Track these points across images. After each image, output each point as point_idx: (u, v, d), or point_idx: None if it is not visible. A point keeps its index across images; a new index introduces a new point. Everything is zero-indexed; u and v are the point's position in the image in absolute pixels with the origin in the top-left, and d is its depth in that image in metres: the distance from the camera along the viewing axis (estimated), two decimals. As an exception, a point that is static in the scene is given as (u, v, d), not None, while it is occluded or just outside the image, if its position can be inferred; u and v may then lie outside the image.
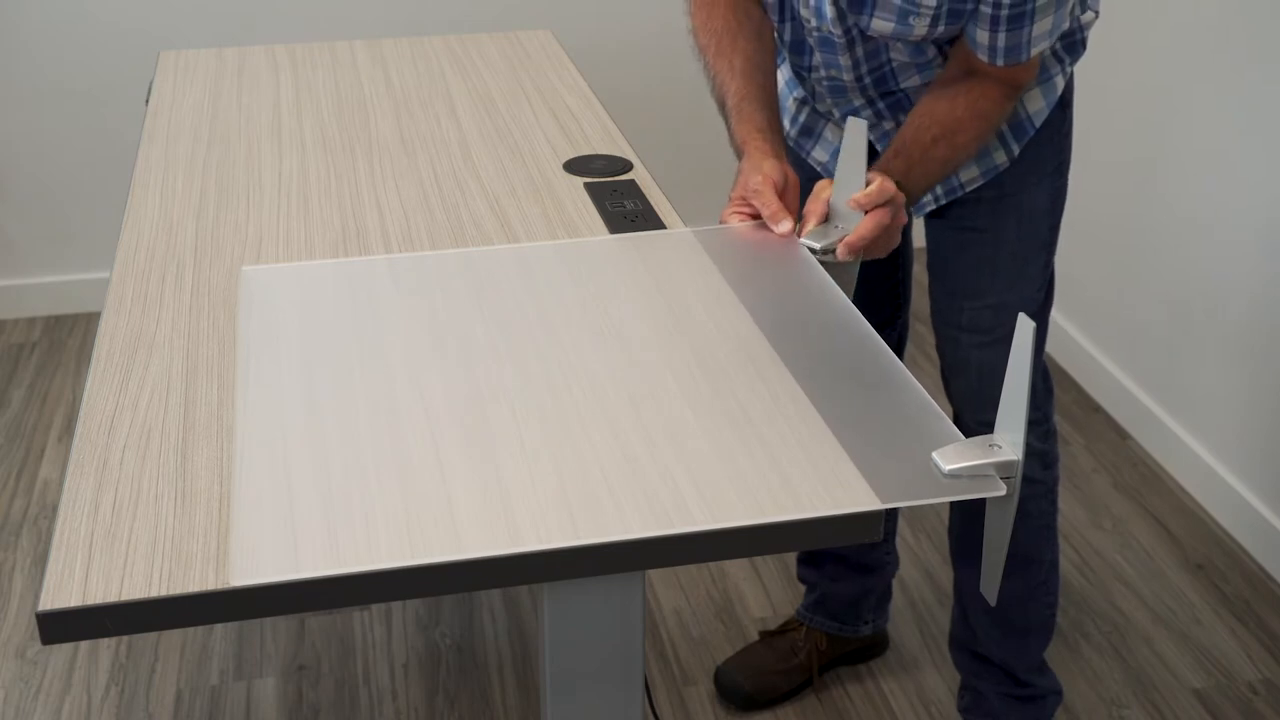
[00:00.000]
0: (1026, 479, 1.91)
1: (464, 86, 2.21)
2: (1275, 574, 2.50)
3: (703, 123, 3.48)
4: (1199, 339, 2.70)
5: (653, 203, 1.75)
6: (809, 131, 1.90)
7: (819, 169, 1.90)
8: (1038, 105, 1.79)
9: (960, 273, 1.87)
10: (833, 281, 1.53)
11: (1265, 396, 2.52)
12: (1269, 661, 2.30)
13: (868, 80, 1.75)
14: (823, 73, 1.77)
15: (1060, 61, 1.80)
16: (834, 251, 1.56)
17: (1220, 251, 2.62)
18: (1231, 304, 2.59)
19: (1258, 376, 2.53)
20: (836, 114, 1.83)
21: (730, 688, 2.20)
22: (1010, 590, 1.96)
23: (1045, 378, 1.97)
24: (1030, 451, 1.91)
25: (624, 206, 1.74)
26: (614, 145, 1.96)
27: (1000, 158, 1.80)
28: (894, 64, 1.73)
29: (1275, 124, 2.44)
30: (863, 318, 1.46)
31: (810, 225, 1.58)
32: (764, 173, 1.61)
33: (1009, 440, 1.22)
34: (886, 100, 1.78)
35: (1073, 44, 1.80)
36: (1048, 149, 1.83)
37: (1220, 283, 2.63)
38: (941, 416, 1.28)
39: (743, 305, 1.48)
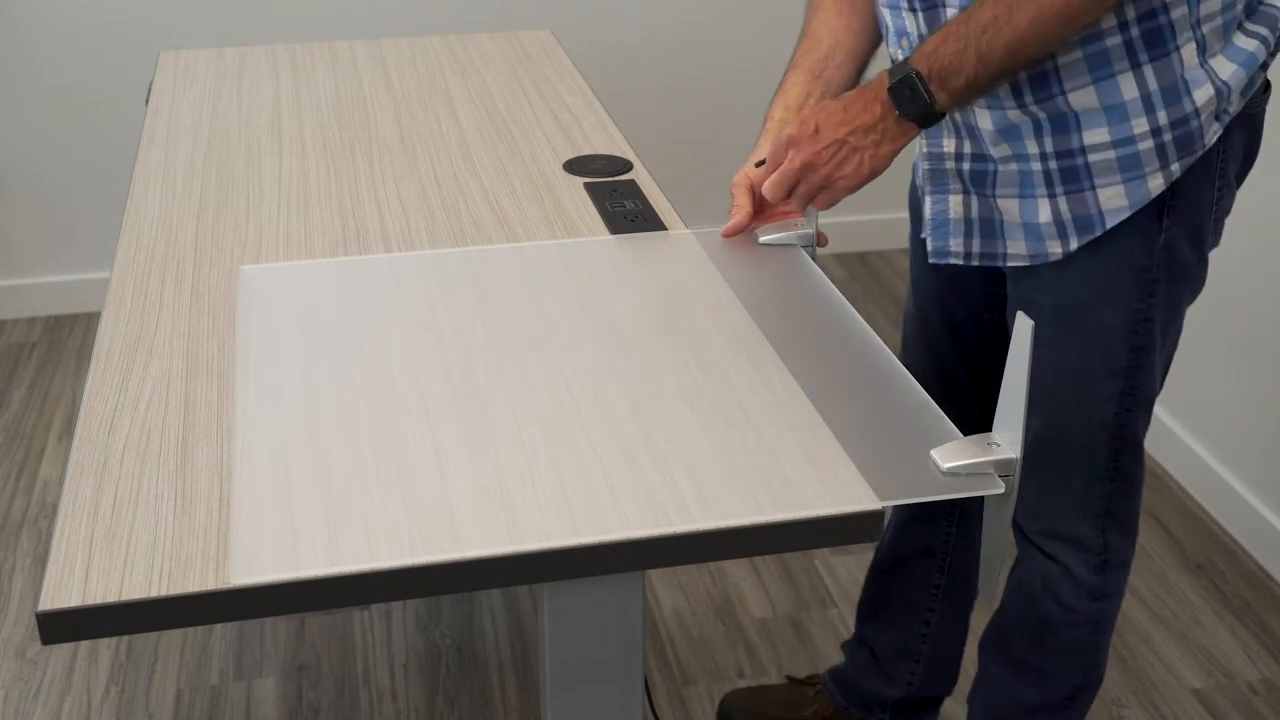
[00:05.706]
0: (1060, 603, 1.66)
1: (464, 86, 2.21)
2: (1275, 574, 2.50)
3: (703, 123, 3.50)
4: (1199, 339, 2.70)
5: (652, 203, 1.75)
6: None
7: None
8: (1116, 203, 1.42)
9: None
10: (829, 282, 1.54)
11: (1265, 396, 2.52)
12: (1269, 661, 2.30)
13: None
14: None
15: (1163, 156, 1.40)
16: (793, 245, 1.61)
17: (1220, 251, 2.61)
18: (1231, 304, 2.59)
19: (1258, 377, 2.53)
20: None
21: (723, 717, 2.14)
22: (1024, 699, 1.78)
23: (1129, 513, 1.63)
24: (1075, 579, 1.65)
25: (624, 206, 1.74)
26: (614, 145, 1.96)
27: (1054, 247, 1.47)
28: None
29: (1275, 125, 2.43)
30: (860, 318, 1.46)
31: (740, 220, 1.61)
32: (749, 170, 1.63)
33: (1007, 438, 1.22)
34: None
35: (1189, 135, 1.40)
36: (1127, 265, 1.45)
37: (1220, 282, 2.62)
38: (940, 415, 1.28)
39: (742, 305, 1.48)
